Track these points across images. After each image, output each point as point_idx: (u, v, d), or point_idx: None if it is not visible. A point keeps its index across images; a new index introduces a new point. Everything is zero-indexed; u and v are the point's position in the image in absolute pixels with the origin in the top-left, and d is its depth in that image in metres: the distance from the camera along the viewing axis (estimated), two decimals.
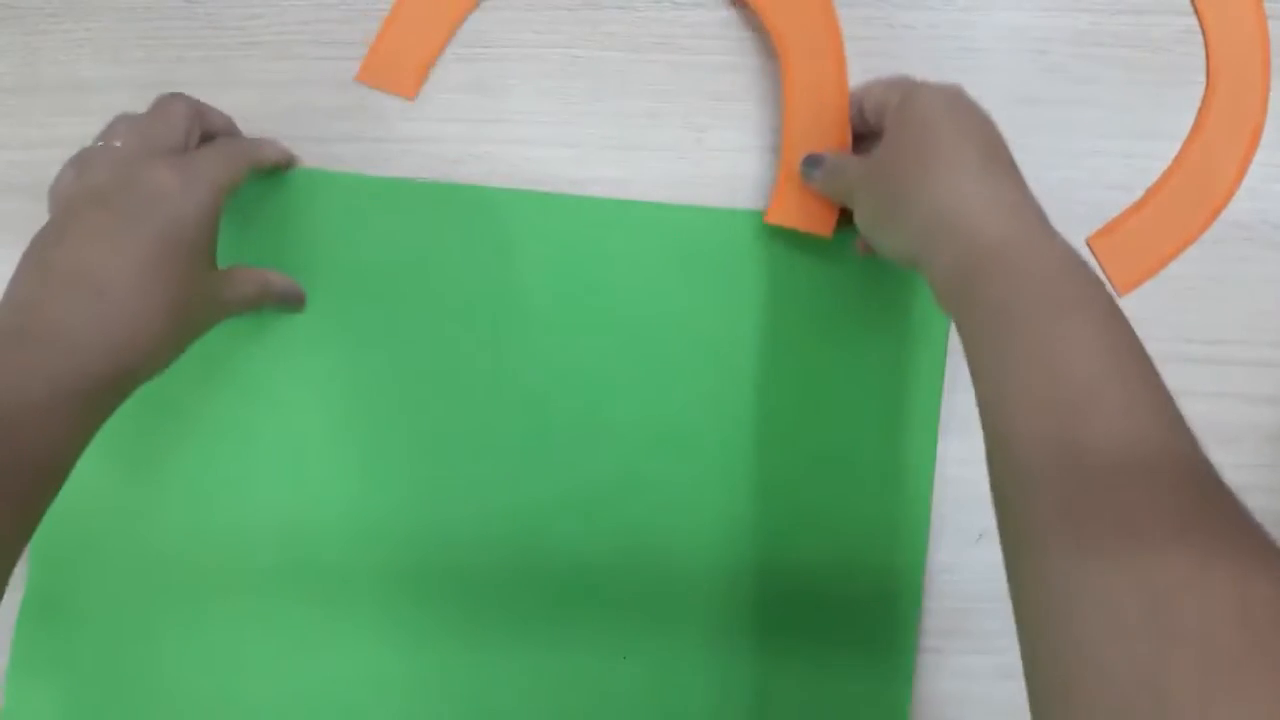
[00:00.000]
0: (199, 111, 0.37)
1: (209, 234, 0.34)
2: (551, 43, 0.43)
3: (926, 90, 0.35)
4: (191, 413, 0.42)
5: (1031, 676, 0.24)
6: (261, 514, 0.41)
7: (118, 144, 0.34)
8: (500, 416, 0.42)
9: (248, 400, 0.42)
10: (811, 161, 0.39)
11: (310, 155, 0.43)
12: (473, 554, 0.42)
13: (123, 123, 0.35)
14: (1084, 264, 0.30)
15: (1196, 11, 0.43)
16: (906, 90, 0.36)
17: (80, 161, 0.34)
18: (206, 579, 0.41)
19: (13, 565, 0.30)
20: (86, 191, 0.33)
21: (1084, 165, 0.43)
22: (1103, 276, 0.43)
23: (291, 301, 0.41)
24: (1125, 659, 0.21)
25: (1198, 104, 0.43)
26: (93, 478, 0.41)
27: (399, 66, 0.42)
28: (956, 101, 0.35)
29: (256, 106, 0.42)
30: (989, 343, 0.29)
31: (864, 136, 0.40)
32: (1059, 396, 0.26)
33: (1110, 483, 0.24)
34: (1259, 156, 0.43)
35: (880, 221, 0.36)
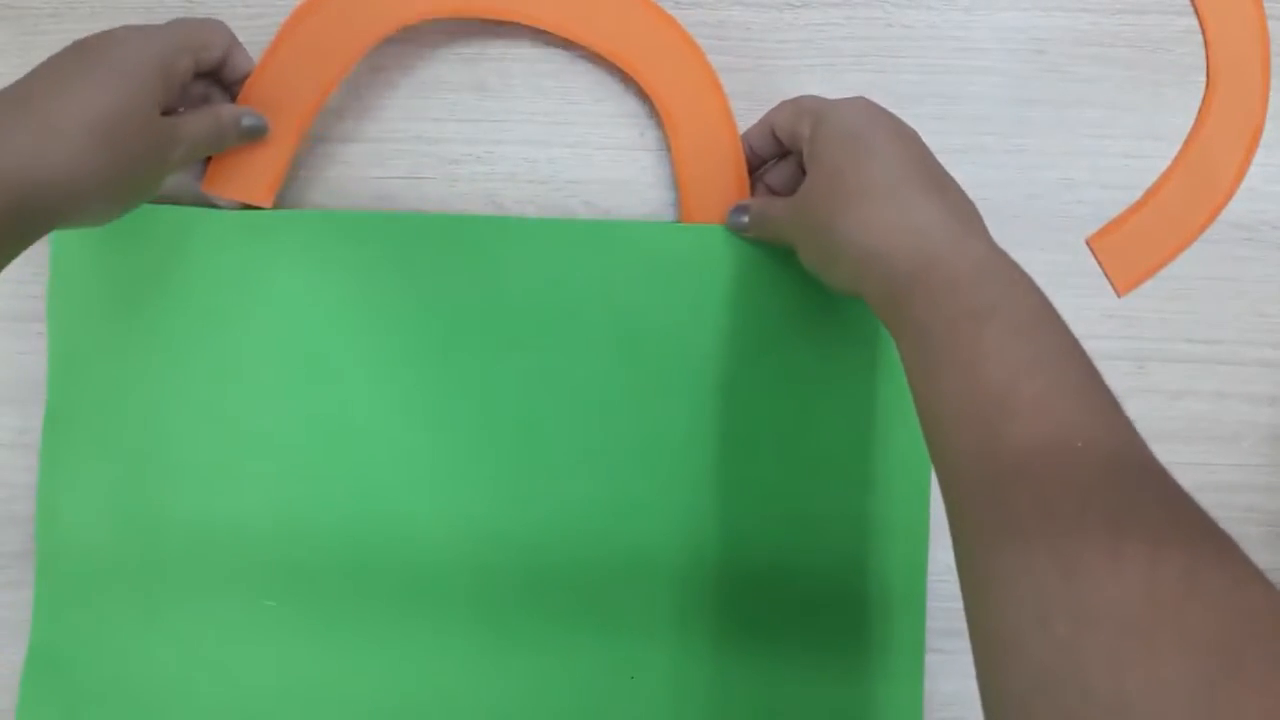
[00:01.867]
0: (228, 43, 0.39)
1: (152, 78, 0.35)
2: (552, 42, 0.43)
3: (833, 118, 0.36)
4: (184, 449, 0.41)
5: (976, 662, 0.25)
6: (258, 541, 0.41)
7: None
8: (485, 439, 0.41)
9: (238, 436, 0.41)
10: (739, 210, 0.40)
11: (311, 155, 0.43)
12: (469, 574, 0.41)
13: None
14: (1000, 268, 0.30)
15: (1196, 11, 0.43)
16: (815, 119, 0.36)
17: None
18: (205, 608, 0.41)
19: None
20: (62, 54, 0.35)
21: (1084, 165, 0.43)
22: (1103, 276, 0.43)
23: (254, 131, 0.40)
24: (1046, 639, 0.23)
25: (1198, 104, 0.43)
26: (90, 523, 0.41)
27: (249, 172, 0.41)
28: (863, 124, 0.35)
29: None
30: (917, 364, 0.30)
31: (779, 157, 0.41)
32: (976, 408, 0.28)
33: (1029, 477, 0.25)
34: (1259, 156, 0.43)
35: (816, 261, 0.36)
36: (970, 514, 0.27)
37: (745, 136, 0.41)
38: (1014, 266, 0.30)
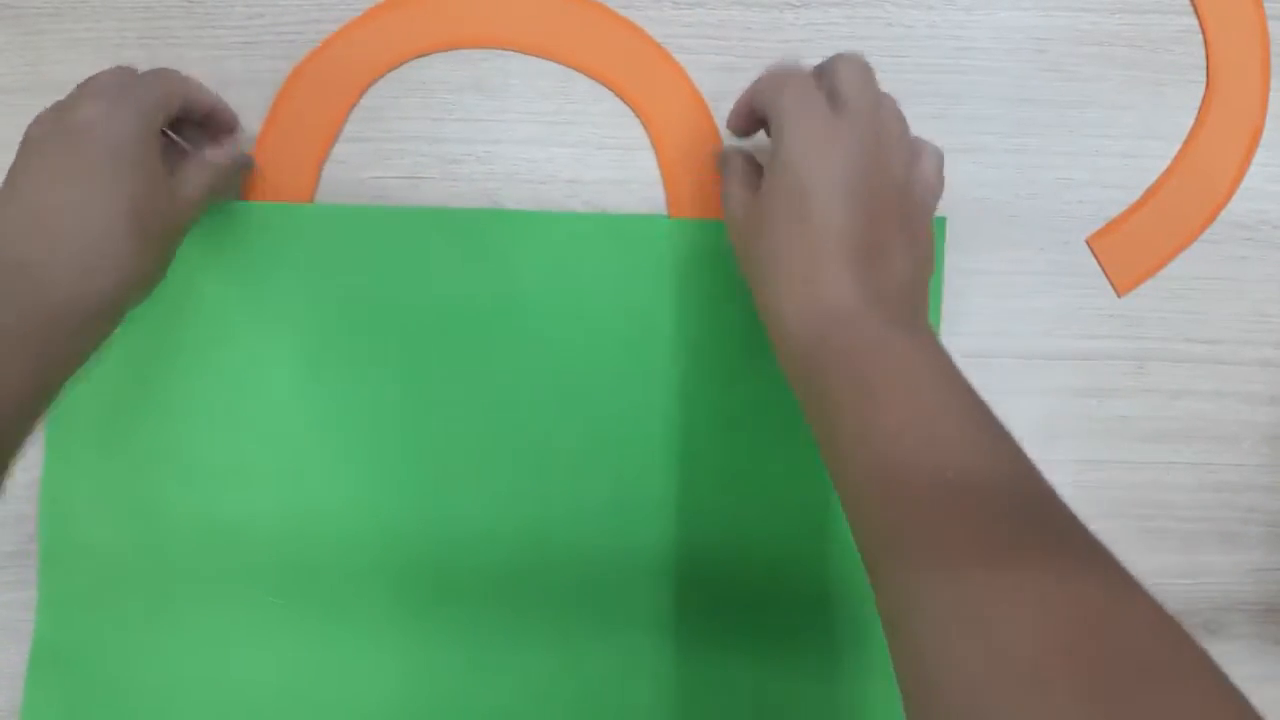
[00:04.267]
0: (184, 92, 0.37)
1: (144, 150, 0.34)
2: None
3: (787, 146, 0.33)
4: (188, 446, 0.42)
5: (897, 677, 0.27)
6: (262, 540, 0.41)
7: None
8: (489, 434, 0.42)
9: (242, 433, 0.41)
10: (721, 160, 0.39)
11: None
12: (470, 565, 0.41)
13: (96, 81, 0.36)
14: (888, 346, 0.31)
15: (1196, 11, 0.43)
16: (776, 128, 0.34)
17: (45, 114, 0.35)
18: (210, 605, 0.41)
19: None
20: (27, 141, 0.34)
21: (1084, 165, 0.43)
22: (1103, 276, 0.43)
23: (245, 164, 0.40)
24: (951, 668, 0.24)
25: (1198, 104, 0.43)
26: (93, 520, 0.41)
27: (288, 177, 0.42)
28: (812, 167, 0.32)
29: (257, 106, 0.42)
30: (816, 421, 0.32)
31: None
32: (865, 471, 0.29)
33: (922, 517, 0.27)
34: (1259, 156, 0.43)
35: (744, 272, 0.36)
36: (875, 570, 0.29)
37: (733, 112, 0.39)
38: (907, 343, 0.31)
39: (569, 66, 0.42)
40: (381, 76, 0.43)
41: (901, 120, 0.35)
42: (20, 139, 0.35)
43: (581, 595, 0.41)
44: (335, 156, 0.43)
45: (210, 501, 0.41)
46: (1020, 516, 0.27)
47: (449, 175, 0.43)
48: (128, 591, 0.41)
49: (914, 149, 0.35)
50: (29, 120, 0.42)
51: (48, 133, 0.34)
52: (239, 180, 0.41)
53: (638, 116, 0.43)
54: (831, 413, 0.31)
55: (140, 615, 0.41)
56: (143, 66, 0.43)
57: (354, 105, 0.43)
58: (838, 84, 0.33)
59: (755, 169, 0.37)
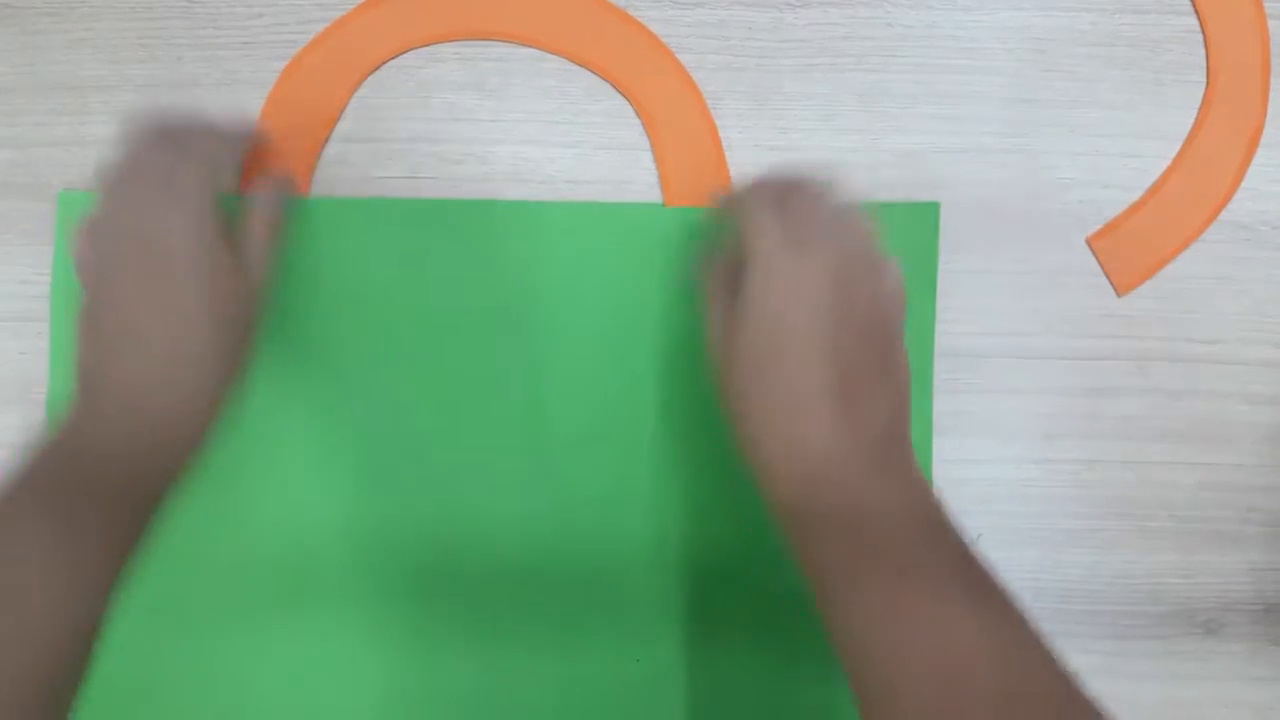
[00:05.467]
0: (227, 154, 0.36)
1: (219, 255, 0.34)
2: None
3: (759, 280, 0.33)
4: None
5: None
6: (260, 534, 0.41)
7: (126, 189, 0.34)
8: (487, 423, 0.42)
9: (240, 428, 0.41)
10: (702, 271, 0.39)
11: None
12: (473, 562, 0.42)
13: (142, 152, 0.35)
14: (879, 499, 0.31)
15: (1196, 11, 0.43)
16: (749, 272, 0.33)
17: (91, 230, 0.34)
18: (208, 599, 0.41)
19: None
20: (107, 258, 0.34)
21: (1084, 165, 0.43)
22: (1103, 276, 0.43)
23: (290, 193, 0.40)
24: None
25: (1198, 104, 0.43)
26: None
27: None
28: (786, 307, 0.32)
29: (256, 106, 0.42)
30: (815, 586, 0.32)
31: None
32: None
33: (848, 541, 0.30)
34: (1259, 156, 0.43)
35: (727, 412, 0.35)
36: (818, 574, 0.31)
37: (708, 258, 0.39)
38: (889, 493, 0.31)
39: (566, 58, 0.42)
40: (376, 70, 0.43)
41: (864, 238, 0.34)
42: (97, 260, 0.34)
43: (584, 586, 0.42)
44: (336, 156, 0.43)
45: (208, 497, 0.41)
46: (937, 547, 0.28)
47: (449, 175, 0.43)
48: (128, 592, 0.41)
49: (876, 269, 0.34)
50: (29, 120, 0.42)
51: (114, 249, 0.33)
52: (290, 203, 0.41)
53: (633, 107, 0.43)
54: (823, 579, 0.31)
55: (138, 614, 0.41)
56: (142, 67, 0.43)
57: (349, 99, 0.43)
58: (801, 219, 0.33)
59: (735, 274, 0.35)
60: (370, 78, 0.43)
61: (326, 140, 0.43)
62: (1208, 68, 0.43)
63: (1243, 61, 0.43)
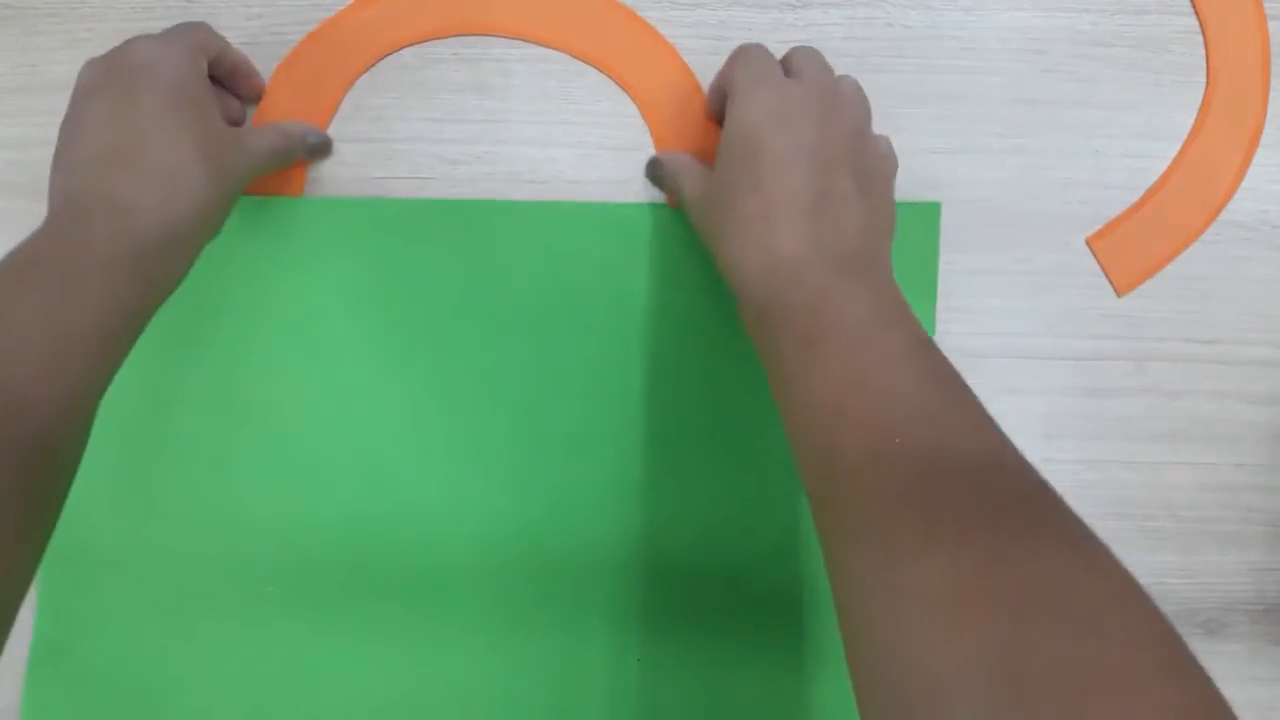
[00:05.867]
0: (218, 39, 0.39)
1: (201, 87, 0.36)
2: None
3: (739, 111, 0.35)
4: (187, 433, 0.42)
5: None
6: (260, 535, 0.42)
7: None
8: (487, 424, 0.42)
9: (239, 424, 0.42)
10: (651, 164, 0.41)
11: None
12: (470, 561, 0.42)
13: (139, 37, 0.37)
14: (834, 295, 0.32)
15: (1196, 11, 0.43)
16: (732, 97, 0.36)
17: (87, 64, 0.36)
18: (208, 598, 0.42)
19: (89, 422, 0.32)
20: (82, 85, 0.35)
21: (1084, 165, 0.43)
22: (1103, 276, 0.43)
23: (320, 149, 0.41)
24: (874, 623, 0.25)
25: (1198, 104, 0.43)
26: (92, 515, 0.41)
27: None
28: (763, 129, 0.34)
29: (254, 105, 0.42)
30: (771, 384, 0.33)
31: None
32: (815, 425, 0.30)
33: (855, 481, 0.28)
34: (1259, 156, 0.43)
35: (706, 241, 0.37)
36: (818, 516, 0.30)
37: (709, 99, 0.42)
38: (852, 290, 0.32)
39: (565, 53, 0.42)
40: (372, 67, 0.42)
41: (859, 96, 0.36)
42: (74, 85, 0.35)
43: (583, 586, 0.42)
44: (335, 156, 0.43)
45: (210, 497, 0.42)
46: (973, 484, 0.26)
47: (450, 176, 0.43)
48: (128, 591, 0.42)
49: (861, 117, 0.36)
50: (29, 120, 0.42)
51: (104, 76, 0.35)
52: (310, 156, 0.41)
53: (634, 103, 0.43)
54: (780, 366, 0.32)
55: (140, 614, 0.42)
56: None
57: (344, 95, 0.42)
58: (793, 59, 0.36)
59: (700, 160, 0.39)
60: (370, 78, 0.43)
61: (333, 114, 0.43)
62: (1208, 68, 0.43)
63: (1243, 61, 0.43)
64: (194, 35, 0.37)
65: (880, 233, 0.35)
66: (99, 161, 0.33)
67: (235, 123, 0.41)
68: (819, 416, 0.30)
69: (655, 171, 0.41)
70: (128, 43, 0.35)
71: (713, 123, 0.42)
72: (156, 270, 0.34)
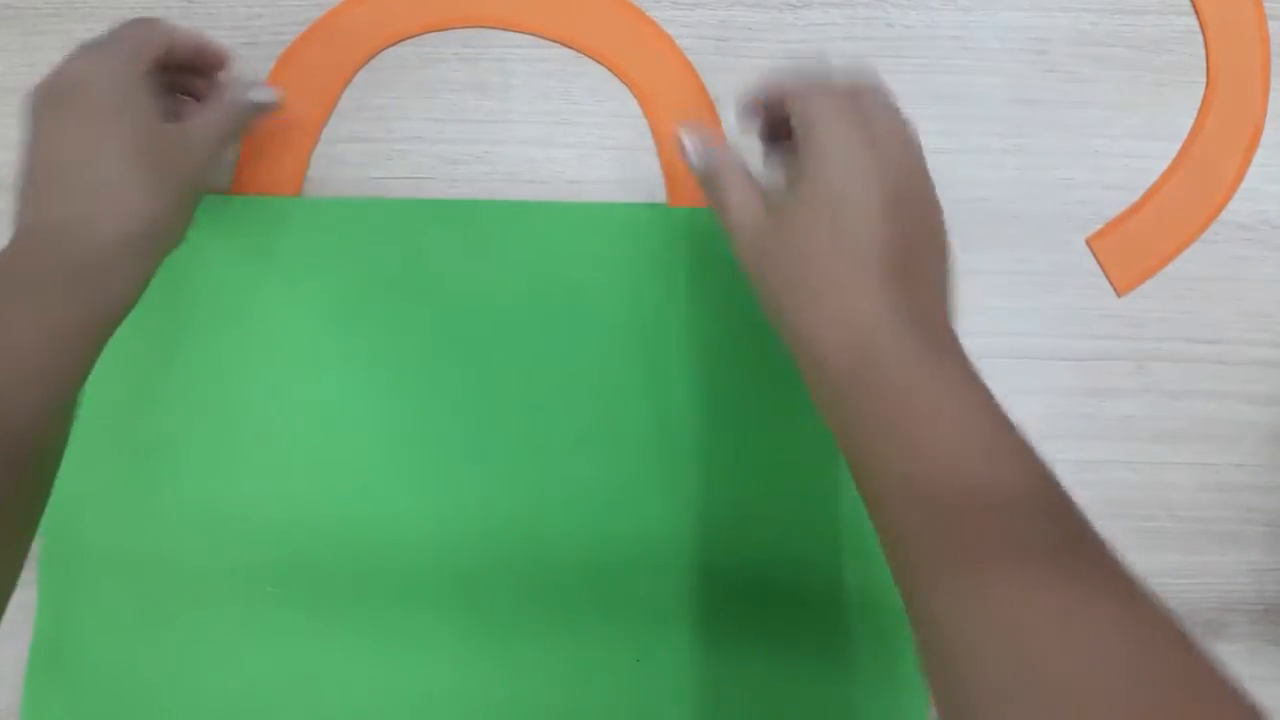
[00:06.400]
0: (165, 33, 0.37)
1: (134, 92, 0.35)
2: (552, 43, 0.43)
3: (819, 156, 0.31)
4: (186, 434, 0.42)
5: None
6: (261, 535, 0.41)
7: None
8: (486, 424, 0.42)
9: (239, 426, 0.42)
10: (694, 150, 0.36)
11: (311, 155, 0.43)
12: (472, 561, 0.41)
13: (80, 45, 0.36)
14: (932, 374, 0.30)
15: (1196, 11, 0.43)
16: (808, 141, 0.32)
17: (35, 87, 0.36)
18: (208, 599, 0.41)
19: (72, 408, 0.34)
20: (28, 111, 0.35)
21: (1084, 165, 0.43)
22: (1103, 276, 0.43)
23: (267, 106, 0.39)
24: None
25: (1198, 104, 0.43)
26: (91, 517, 0.41)
27: (275, 169, 0.42)
28: (851, 181, 0.31)
29: None
30: (847, 448, 0.31)
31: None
32: (900, 482, 0.30)
33: (954, 525, 0.28)
34: (1259, 156, 0.43)
35: (760, 287, 0.33)
36: (908, 556, 0.29)
37: (747, 110, 0.37)
38: (938, 371, 0.30)
39: (566, 45, 0.42)
40: (370, 60, 0.42)
41: (914, 132, 0.34)
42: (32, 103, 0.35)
43: (584, 586, 0.41)
44: (335, 156, 0.43)
45: (210, 499, 0.42)
46: (1053, 538, 0.27)
47: (450, 175, 0.43)
48: (128, 591, 0.41)
49: (923, 163, 0.34)
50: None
51: (41, 98, 0.35)
52: (263, 115, 0.40)
53: (636, 100, 0.43)
54: (865, 443, 0.30)
55: (140, 614, 0.41)
56: None
57: (343, 90, 0.42)
58: (867, 98, 0.33)
59: (753, 176, 0.35)
60: (370, 78, 0.43)
61: (321, 132, 0.43)
62: (1208, 68, 0.43)
63: (1243, 61, 0.43)
64: (133, 37, 0.36)
65: (952, 293, 0.33)
66: (31, 184, 0.34)
67: (194, 117, 0.38)
68: (915, 499, 0.29)
69: (697, 163, 0.36)
70: (65, 59, 0.35)
71: (715, 116, 0.42)
72: (103, 284, 0.33)
